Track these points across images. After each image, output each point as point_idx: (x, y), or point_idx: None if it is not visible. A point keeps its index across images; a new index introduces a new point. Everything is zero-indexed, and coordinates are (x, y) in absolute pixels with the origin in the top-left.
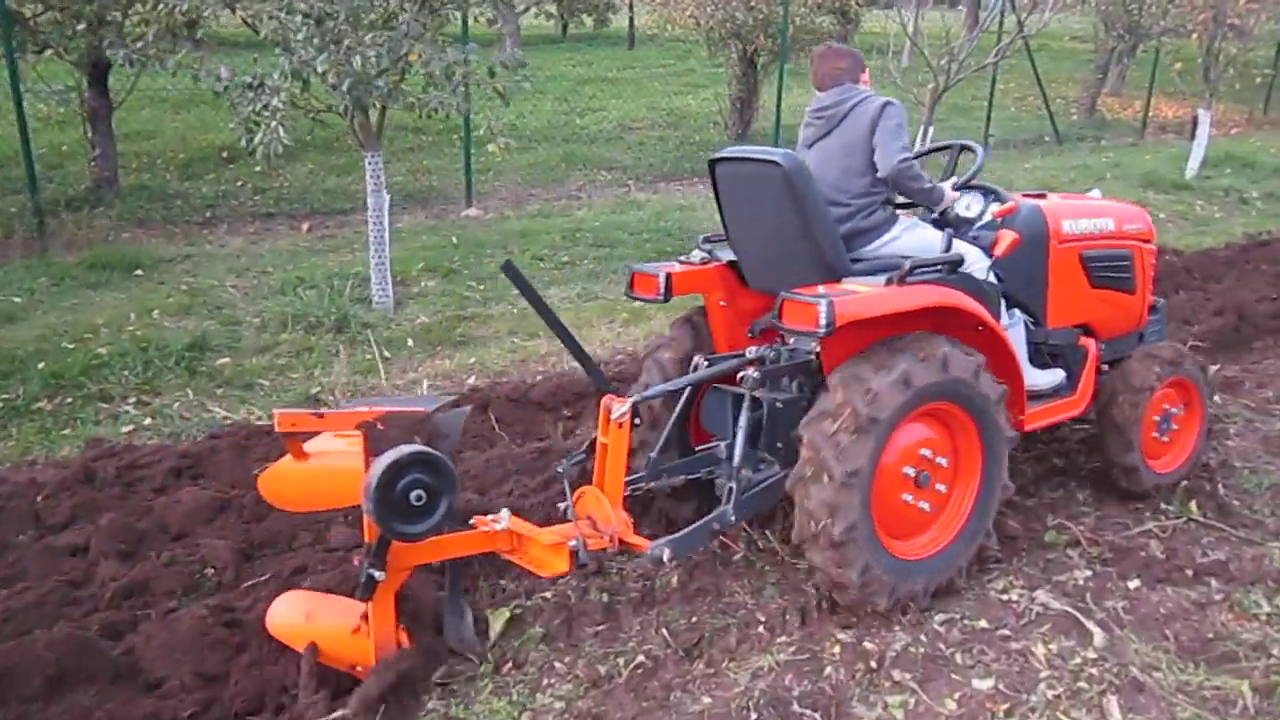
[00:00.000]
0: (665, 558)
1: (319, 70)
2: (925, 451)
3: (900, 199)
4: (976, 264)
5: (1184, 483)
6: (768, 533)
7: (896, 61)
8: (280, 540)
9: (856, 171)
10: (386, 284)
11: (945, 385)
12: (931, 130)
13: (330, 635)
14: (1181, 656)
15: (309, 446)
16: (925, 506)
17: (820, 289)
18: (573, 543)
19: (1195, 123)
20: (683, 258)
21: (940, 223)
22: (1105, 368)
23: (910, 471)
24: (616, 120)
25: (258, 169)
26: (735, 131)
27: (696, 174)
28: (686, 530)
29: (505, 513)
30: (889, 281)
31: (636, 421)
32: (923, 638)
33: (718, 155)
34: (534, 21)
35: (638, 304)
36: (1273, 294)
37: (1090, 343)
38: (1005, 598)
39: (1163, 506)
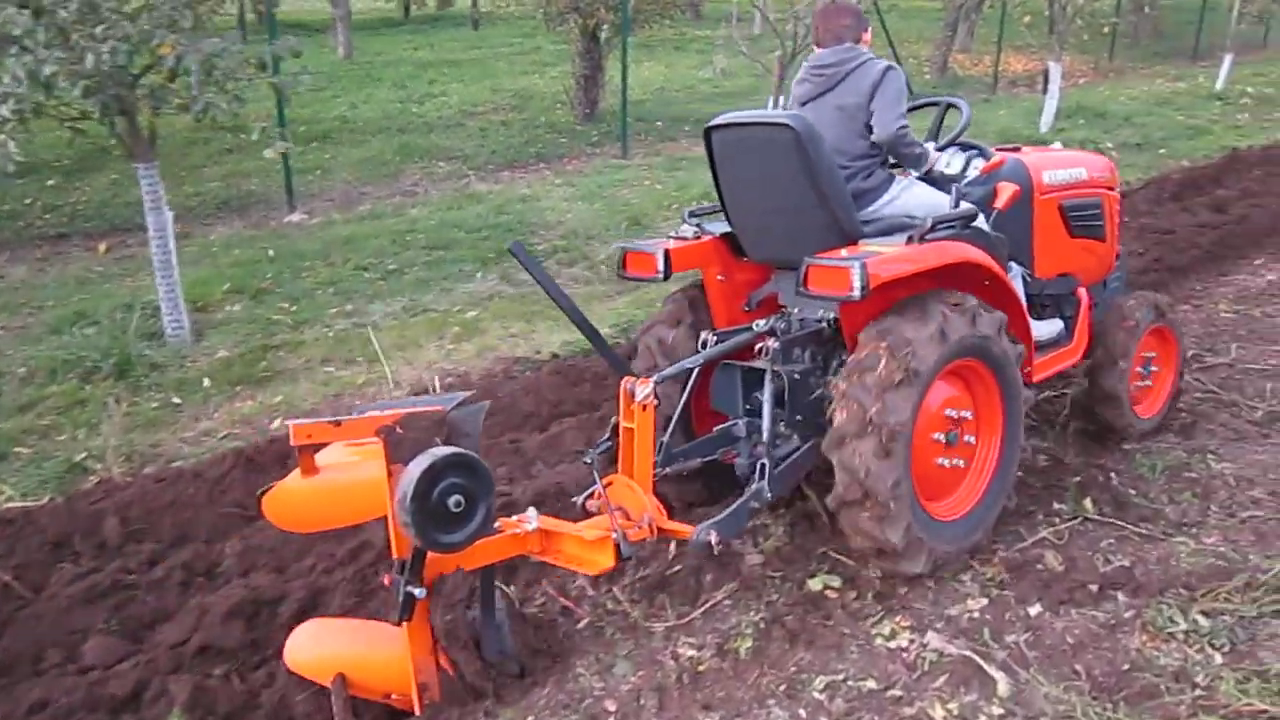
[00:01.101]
0: (714, 541)
1: (46, 73)
2: (953, 410)
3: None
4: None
5: (1076, 477)
6: (616, 591)
7: (743, 29)
8: (22, 662)
9: (857, 133)
10: (180, 314)
11: (975, 341)
12: (784, 100)
13: (361, 663)
14: (1098, 696)
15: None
16: (955, 465)
17: (844, 253)
18: (612, 534)
19: (1046, 76)
20: (673, 233)
21: (927, 181)
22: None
23: (940, 431)
24: (458, 106)
25: (50, 183)
26: (582, 112)
27: (543, 158)
28: (727, 511)
29: (533, 511)
30: (909, 240)
31: (656, 403)
32: (802, 712)
33: (715, 122)
34: (374, 4)
35: (468, 317)
36: (1140, 248)
37: (1083, 292)
38: (893, 645)
39: (1056, 507)
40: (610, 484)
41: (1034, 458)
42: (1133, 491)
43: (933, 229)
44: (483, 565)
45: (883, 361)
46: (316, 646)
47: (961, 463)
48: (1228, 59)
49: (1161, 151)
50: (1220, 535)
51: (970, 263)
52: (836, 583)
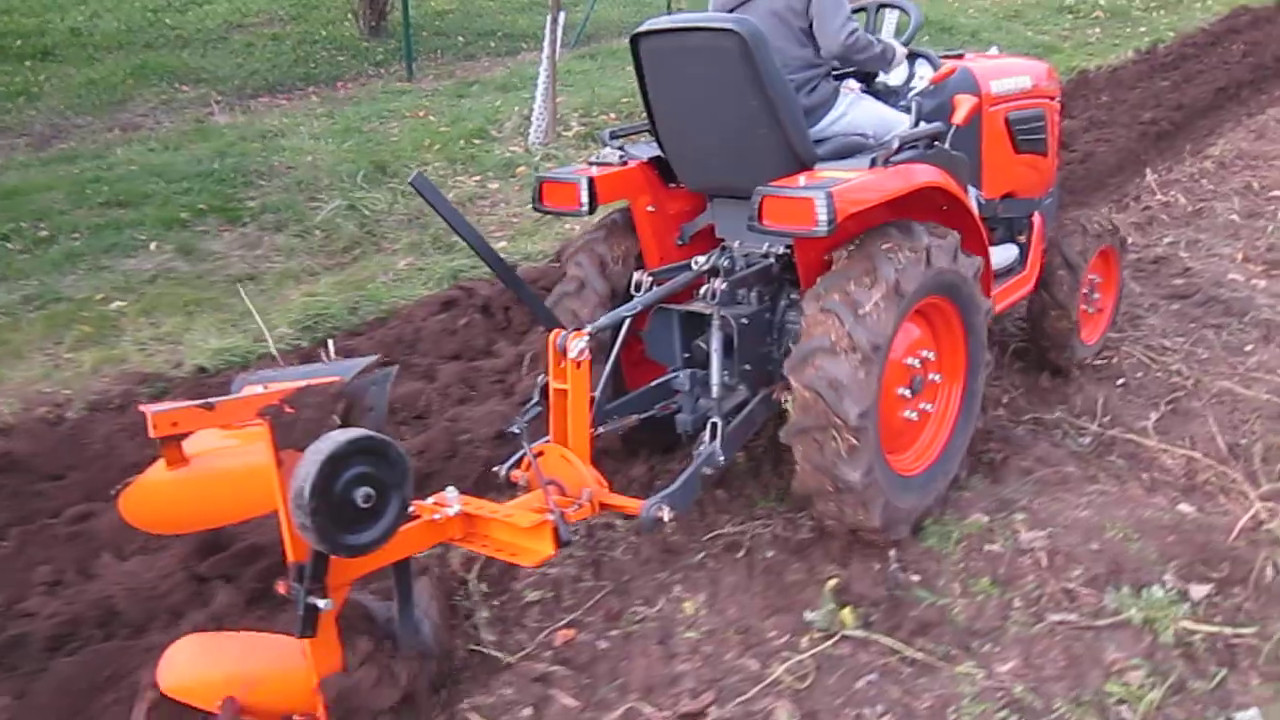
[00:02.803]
0: (666, 517)
1: None
2: (915, 356)
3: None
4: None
5: (832, 580)
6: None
7: None
8: None
9: (796, 41)
10: None
11: (930, 280)
12: (563, 16)
13: (254, 682)
14: None
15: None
16: (921, 411)
17: (802, 180)
18: (549, 516)
19: None
20: (594, 158)
21: (873, 93)
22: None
23: (906, 378)
24: (225, 16)
25: None
26: (367, 24)
27: (313, 81)
28: (678, 481)
29: (453, 492)
30: (874, 164)
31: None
32: None
33: (644, 28)
34: None
35: (109, 310)
36: None
37: (1036, 215)
38: None
39: (807, 618)
40: (541, 455)
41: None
42: (916, 578)
43: (897, 150)
44: (395, 560)
45: (840, 341)
46: (198, 666)
47: (924, 411)
48: None
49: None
50: (1021, 658)
51: (937, 188)
52: None
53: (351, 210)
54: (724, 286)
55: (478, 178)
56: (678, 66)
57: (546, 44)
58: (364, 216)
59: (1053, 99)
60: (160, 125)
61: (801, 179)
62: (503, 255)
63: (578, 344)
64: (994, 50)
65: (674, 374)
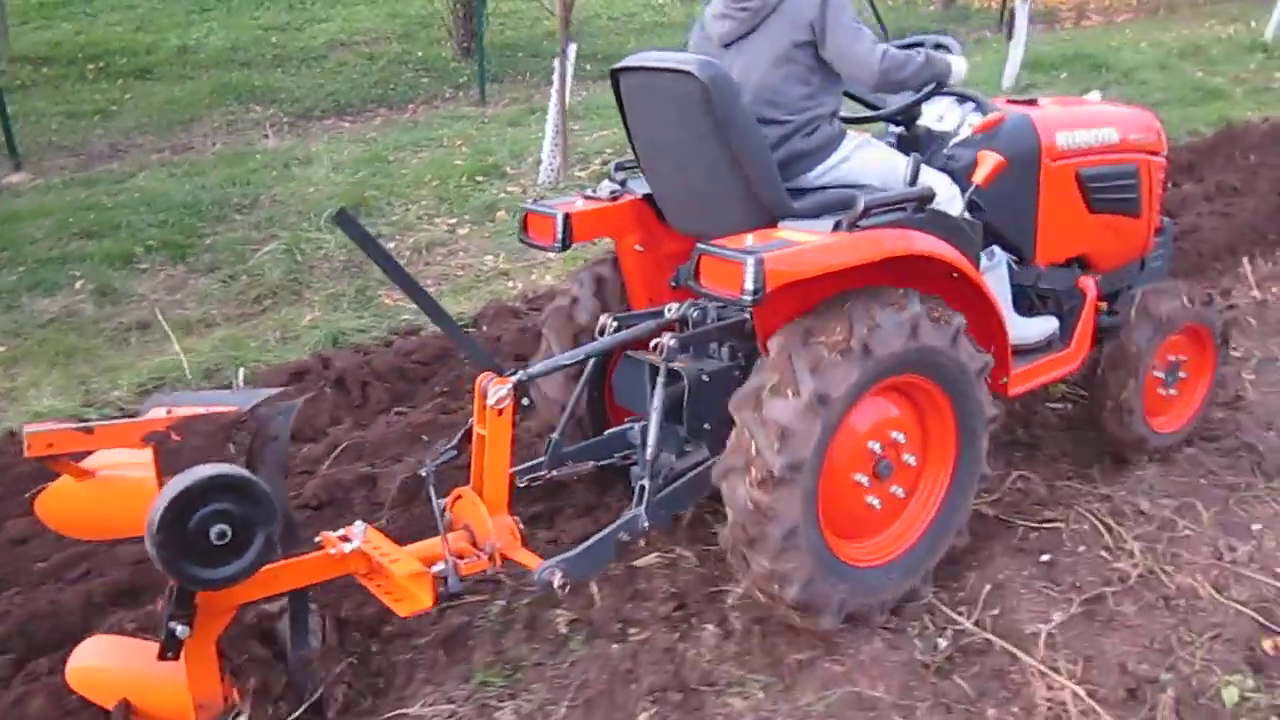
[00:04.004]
0: (556, 583)
1: None
2: (883, 438)
3: (861, 111)
4: (950, 196)
5: None
6: None
7: None
8: None
9: (795, 78)
10: None
11: (913, 355)
12: (573, 49)
13: (147, 689)
14: None
15: (94, 459)
16: (880, 502)
17: (749, 240)
18: (439, 567)
19: (1011, 16)
20: (589, 191)
21: (908, 140)
22: (1103, 305)
23: (868, 460)
24: (335, 34)
25: None
26: (460, 44)
27: (384, 102)
28: (586, 544)
29: (360, 527)
30: (837, 226)
31: (525, 402)
32: None
33: (623, 63)
34: None
35: None
36: None
37: (1089, 283)
38: None
39: None
40: (459, 499)
41: None
42: None
43: (865, 214)
44: (291, 590)
45: (783, 384)
46: (103, 664)
47: (887, 501)
48: None
49: None
50: None
51: (917, 256)
52: None
53: (287, 254)
54: (673, 341)
55: (453, 221)
56: (652, 106)
57: (556, 78)
58: (296, 263)
59: (1153, 154)
60: (212, 147)
61: (749, 238)
62: (404, 317)
63: (498, 391)
64: (1094, 95)
65: (630, 424)
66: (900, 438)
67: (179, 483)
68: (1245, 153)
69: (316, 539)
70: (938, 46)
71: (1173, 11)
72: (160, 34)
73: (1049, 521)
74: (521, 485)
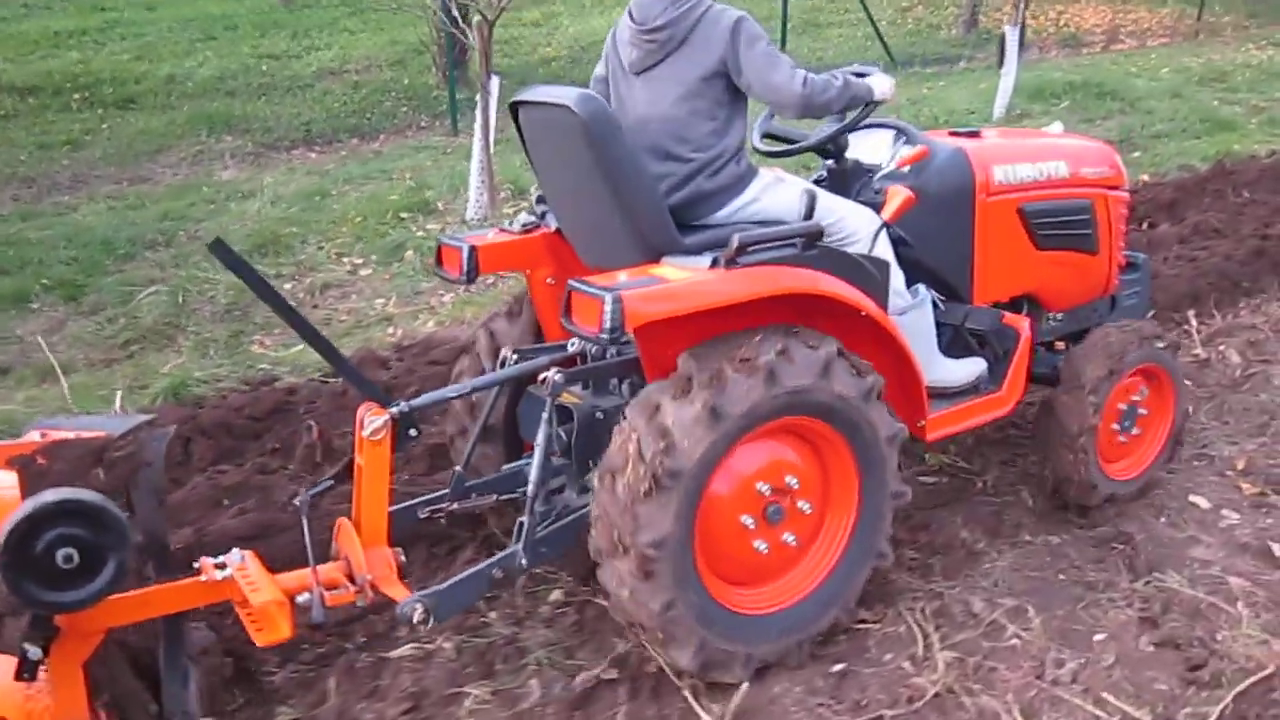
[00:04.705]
0: (416, 619)
1: None
2: (765, 485)
3: (773, 145)
4: (859, 232)
5: None
6: None
7: None
8: None
9: (703, 113)
10: None
11: (781, 402)
12: (495, 83)
13: (14, 706)
14: None
15: None
16: (780, 544)
17: (621, 277)
18: (304, 596)
19: (1002, 44)
20: (506, 223)
21: (837, 174)
22: (1061, 345)
23: (752, 509)
24: (326, 63)
25: None
26: (444, 72)
27: (357, 132)
28: (456, 579)
29: (236, 555)
30: (715, 263)
31: (414, 434)
32: None
33: (517, 97)
34: None
35: None
36: None
37: (1021, 323)
38: None
39: None
40: (340, 529)
41: None
42: None
43: (743, 249)
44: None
45: (631, 460)
46: None
47: (780, 547)
48: None
49: (1136, 155)
50: None
51: (799, 294)
52: None
53: (170, 296)
54: (559, 377)
55: (359, 261)
56: (547, 140)
57: (479, 112)
58: (178, 304)
59: (1110, 188)
60: (170, 179)
61: (622, 275)
62: (263, 365)
63: (373, 422)
64: (1055, 126)
65: (526, 460)
66: (791, 481)
67: (26, 506)
68: (1239, 189)
69: (195, 564)
70: (858, 75)
71: (1214, 34)
72: (157, 63)
73: (862, 622)
74: (423, 516)
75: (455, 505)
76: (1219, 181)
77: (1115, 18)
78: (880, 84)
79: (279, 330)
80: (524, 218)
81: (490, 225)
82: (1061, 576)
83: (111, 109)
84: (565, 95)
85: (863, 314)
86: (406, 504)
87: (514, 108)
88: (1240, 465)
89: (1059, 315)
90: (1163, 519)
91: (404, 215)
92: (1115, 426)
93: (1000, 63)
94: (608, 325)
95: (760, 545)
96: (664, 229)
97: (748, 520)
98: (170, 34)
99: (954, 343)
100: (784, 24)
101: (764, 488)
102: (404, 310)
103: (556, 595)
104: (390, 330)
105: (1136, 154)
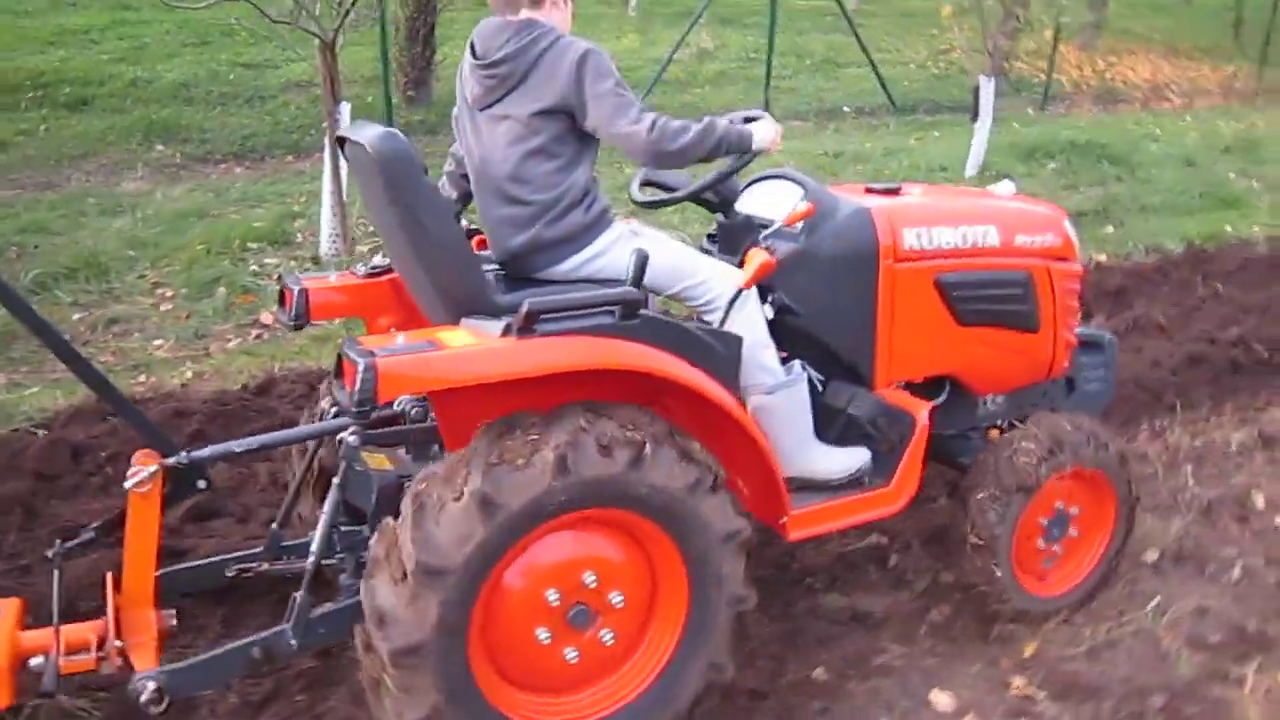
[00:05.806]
0: (144, 697)
1: None
2: (560, 588)
3: (651, 195)
4: (722, 298)
5: None
6: None
7: None
8: None
9: (544, 153)
10: None
11: (580, 492)
12: (345, 108)
13: None
14: None
15: None
16: (596, 651)
17: (399, 339)
18: (38, 660)
19: (976, 96)
20: (356, 267)
21: (725, 229)
22: (995, 434)
23: (545, 618)
24: (299, 75)
25: None
26: (404, 91)
27: (290, 149)
28: (208, 655)
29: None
30: (507, 330)
31: (204, 485)
32: None
33: (340, 132)
34: None
35: None
36: None
37: (919, 409)
38: None
39: None
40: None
41: None
42: None
43: (531, 320)
44: None
45: (388, 555)
46: None
47: (610, 638)
48: None
49: (1108, 229)
50: None
51: (601, 370)
52: None
53: None
54: (355, 439)
55: (170, 294)
56: (364, 179)
57: (327, 141)
58: None
59: (1057, 259)
60: (71, 186)
61: (400, 337)
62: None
63: (139, 473)
64: (1004, 186)
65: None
66: (589, 580)
67: None
68: (1210, 280)
69: None
70: (747, 120)
71: (1272, 97)
72: (132, 66)
73: None
74: (230, 575)
75: (266, 566)
76: (1187, 269)
77: (1172, 72)
78: (763, 131)
79: (26, 368)
80: (376, 259)
81: (346, 264)
82: None
83: (61, 110)
84: (365, 133)
85: (697, 394)
86: (212, 560)
87: (340, 142)
88: (1028, 652)
89: (998, 398)
90: None
91: (252, 246)
92: (1040, 533)
93: (974, 116)
94: (357, 394)
95: (570, 653)
96: (470, 285)
97: (542, 634)
98: (167, 36)
99: (849, 429)
100: (769, 57)
101: (552, 596)
102: (178, 355)
103: None
104: (143, 378)
105: (1109, 228)
